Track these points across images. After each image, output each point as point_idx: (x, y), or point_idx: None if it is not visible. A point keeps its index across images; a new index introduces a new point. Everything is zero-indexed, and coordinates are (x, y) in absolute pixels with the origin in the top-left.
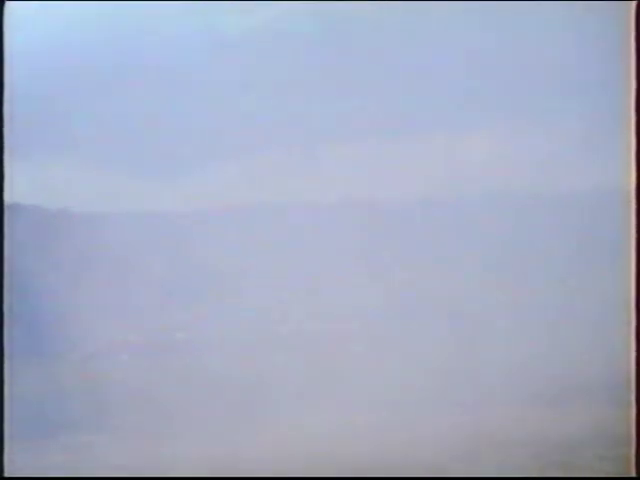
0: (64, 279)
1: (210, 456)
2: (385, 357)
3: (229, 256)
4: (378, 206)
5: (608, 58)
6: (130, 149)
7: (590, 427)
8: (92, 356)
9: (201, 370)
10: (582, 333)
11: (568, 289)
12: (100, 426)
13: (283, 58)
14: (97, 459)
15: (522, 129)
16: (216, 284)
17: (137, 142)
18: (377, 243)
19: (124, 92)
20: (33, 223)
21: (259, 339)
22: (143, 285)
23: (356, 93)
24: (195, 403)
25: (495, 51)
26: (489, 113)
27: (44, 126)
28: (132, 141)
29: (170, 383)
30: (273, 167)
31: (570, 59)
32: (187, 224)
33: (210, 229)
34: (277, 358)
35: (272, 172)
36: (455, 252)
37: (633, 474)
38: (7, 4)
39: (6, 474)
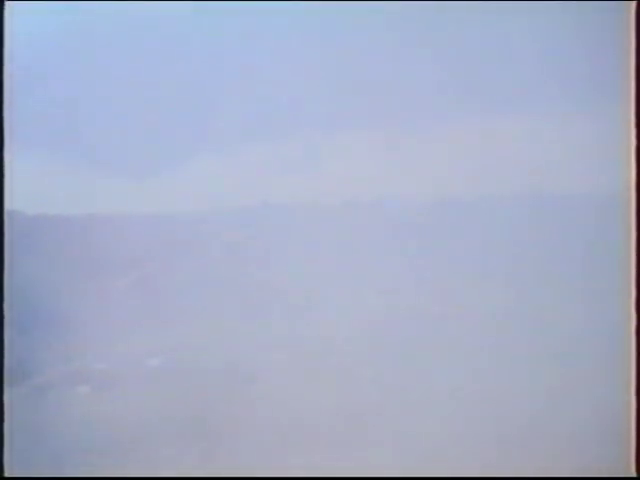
0: (38, 283)
1: None
2: (392, 362)
3: (221, 262)
4: (382, 208)
5: (608, 58)
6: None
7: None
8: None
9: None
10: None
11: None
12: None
13: (276, 43)
14: None
15: (523, 130)
16: (206, 292)
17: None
18: (381, 247)
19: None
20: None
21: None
22: (126, 292)
23: (356, 85)
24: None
25: (496, 51)
26: (488, 115)
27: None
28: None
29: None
30: (268, 164)
31: (570, 59)
32: (175, 226)
33: (202, 231)
34: (275, 359)
35: (267, 170)
36: (462, 255)
37: (633, 474)
38: (7, 4)
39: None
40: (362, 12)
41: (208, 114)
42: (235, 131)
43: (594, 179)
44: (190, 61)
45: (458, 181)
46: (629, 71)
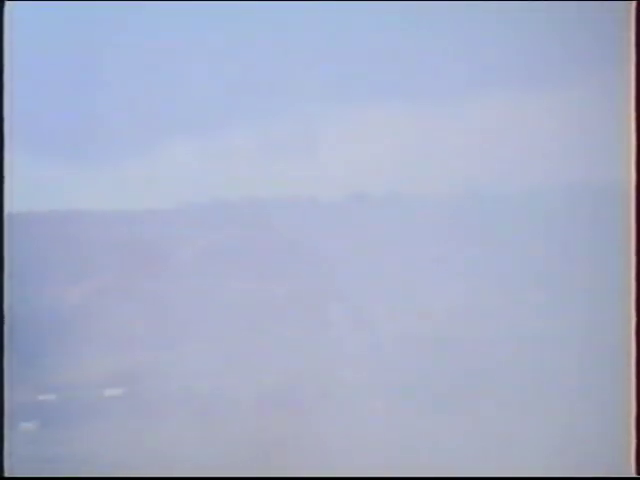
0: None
1: None
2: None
3: (196, 270)
4: (398, 202)
5: (608, 59)
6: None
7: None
8: None
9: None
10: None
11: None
12: None
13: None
14: None
15: (522, 126)
16: (177, 305)
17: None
18: (397, 249)
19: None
20: None
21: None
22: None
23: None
24: None
25: (495, 48)
26: (487, 111)
27: None
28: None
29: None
30: (255, 150)
31: (569, 59)
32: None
33: (170, 233)
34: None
35: (254, 157)
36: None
37: (633, 474)
38: (7, 4)
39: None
40: None
41: (179, 90)
42: (214, 110)
43: (593, 179)
44: (159, 30)
45: (489, 170)
46: (629, 71)
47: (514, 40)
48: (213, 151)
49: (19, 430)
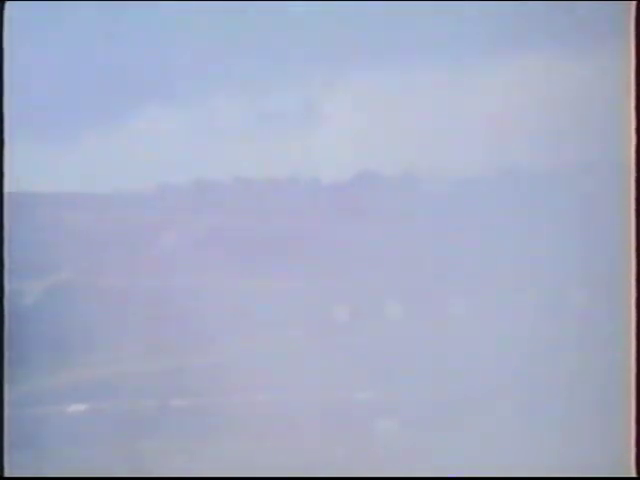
0: None
1: None
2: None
3: (171, 265)
4: (409, 184)
5: (607, 59)
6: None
7: None
8: None
9: None
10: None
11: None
12: None
13: None
14: None
15: (524, 124)
16: (144, 304)
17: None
18: (407, 237)
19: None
20: None
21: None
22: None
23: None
24: None
25: (494, 50)
26: (487, 105)
27: None
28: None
29: None
30: (244, 126)
31: (569, 59)
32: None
33: (141, 219)
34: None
35: (242, 134)
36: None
37: (633, 474)
38: (7, 4)
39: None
40: None
41: (155, 53)
42: (196, 76)
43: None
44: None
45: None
46: (629, 71)
47: (510, 40)
48: (196, 124)
49: None
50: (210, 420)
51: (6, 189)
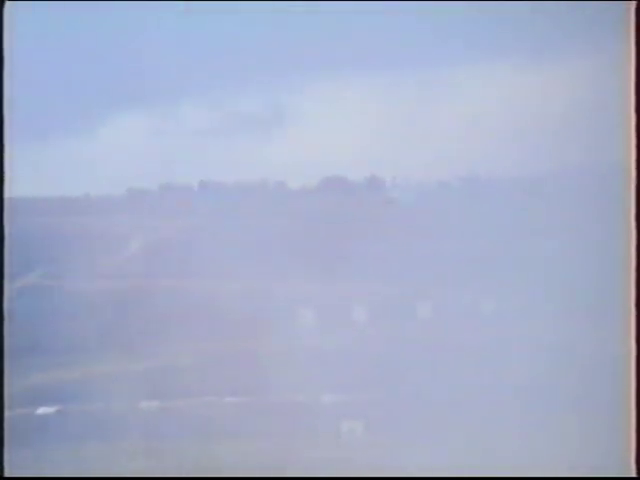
0: None
1: None
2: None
3: (139, 267)
4: (379, 189)
5: (607, 58)
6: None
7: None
8: None
9: None
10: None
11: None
12: None
13: None
14: None
15: (524, 123)
16: (119, 302)
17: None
18: (380, 241)
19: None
20: None
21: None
22: None
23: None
24: None
25: (495, 47)
26: (486, 105)
27: None
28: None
29: None
30: (213, 129)
31: (569, 59)
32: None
33: (117, 223)
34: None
35: (212, 137)
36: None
37: (633, 474)
38: (7, 4)
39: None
40: None
41: (125, 61)
42: (164, 82)
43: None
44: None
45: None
46: (629, 71)
47: (510, 41)
48: (164, 129)
49: None
50: (179, 421)
51: None
